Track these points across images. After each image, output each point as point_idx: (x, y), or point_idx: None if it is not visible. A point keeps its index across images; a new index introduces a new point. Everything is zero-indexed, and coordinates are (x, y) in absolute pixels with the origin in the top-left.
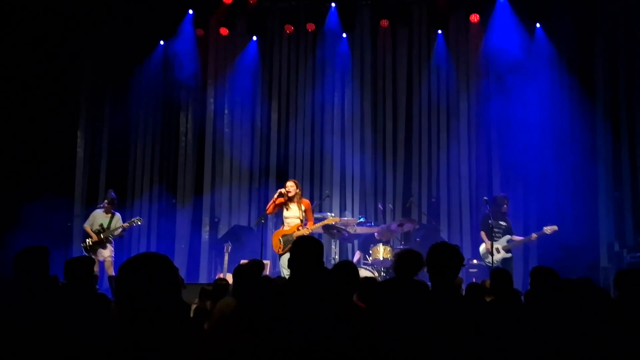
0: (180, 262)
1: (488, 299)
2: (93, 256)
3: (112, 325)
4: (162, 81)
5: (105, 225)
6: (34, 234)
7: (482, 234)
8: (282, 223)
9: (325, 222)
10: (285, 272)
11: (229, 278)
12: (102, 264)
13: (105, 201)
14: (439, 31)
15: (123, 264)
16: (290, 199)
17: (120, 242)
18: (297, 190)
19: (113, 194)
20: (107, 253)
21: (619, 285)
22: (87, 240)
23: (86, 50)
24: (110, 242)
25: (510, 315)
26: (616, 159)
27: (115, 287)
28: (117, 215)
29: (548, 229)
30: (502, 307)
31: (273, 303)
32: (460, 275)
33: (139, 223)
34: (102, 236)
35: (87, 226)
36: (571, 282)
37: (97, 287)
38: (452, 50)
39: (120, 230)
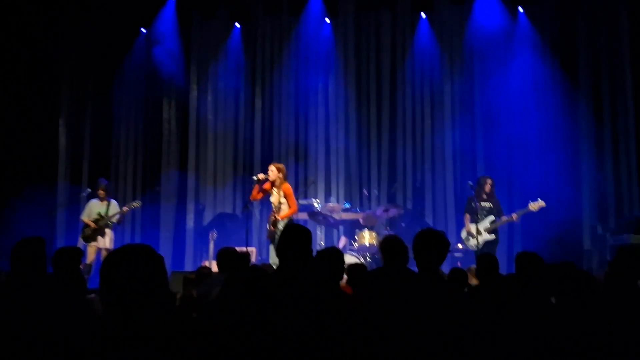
0: (165, 250)
1: (474, 283)
2: (94, 243)
3: (98, 317)
4: (144, 68)
5: (103, 213)
6: (17, 224)
7: (466, 216)
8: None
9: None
10: (272, 260)
11: (214, 266)
12: (98, 255)
13: (100, 190)
14: (423, 15)
15: (107, 256)
16: (273, 184)
17: (114, 230)
18: (279, 175)
19: (105, 180)
20: (107, 241)
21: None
22: (86, 229)
23: (67, 38)
24: (110, 228)
25: (494, 300)
26: (598, 142)
27: (100, 279)
28: (113, 202)
29: (534, 205)
30: (486, 292)
31: (262, 292)
32: (446, 260)
33: (138, 206)
34: (100, 224)
35: (84, 217)
36: (554, 267)
37: (87, 276)
38: (436, 35)
39: (118, 216)
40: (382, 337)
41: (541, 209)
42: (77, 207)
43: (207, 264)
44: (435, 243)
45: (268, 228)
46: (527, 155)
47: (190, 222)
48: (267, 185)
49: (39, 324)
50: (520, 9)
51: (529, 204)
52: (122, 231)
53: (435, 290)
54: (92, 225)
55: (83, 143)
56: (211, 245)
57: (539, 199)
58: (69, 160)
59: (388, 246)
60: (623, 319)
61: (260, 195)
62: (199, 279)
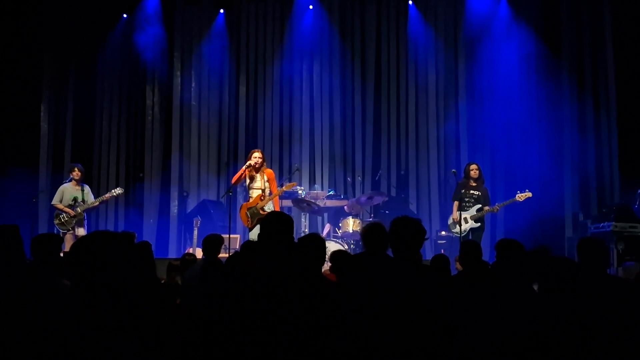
0: (149, 237)
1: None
2: (71, 231)
3: (77, 304)
4: (127, 54)
5: (79, 199)
6: None
7: (454, 204)
8: (248, 195)
9: (283, 189)
10: None
11: (199, 253)
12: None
13: (75, 174)
14: (410, 2)
15: (74, 244)
16: (257, 170)
17: (87, 218)
18: (264, 161)
19: (80, 165)
20: (84, 230)
21: (580, 252)
22: (62, 215)
23: (49, 23)
24: (84, 217)
25: (476, 286)
26: (581, 130)
27: (68, 266)
28: (87, 188)
29: (521, 196)
30: (469, 279)
31: (243, 278)
32: (429, 247)
33: (120, 193)
34: (79, 210)
35: (56, 203)
36: (530, 252)
37: None
38: (421, 21)
39: (97, 202)
40: (361, 323)
41: (526, 199)
42: None
43: (191, 250)
44: (409, 230)
45: (246, 215)
46: (510, 143)
47: (174, 209)
48: (248, 171)
49: (19, 310)
50: None
51: (517, 195)
52: (105, 217)
53: (411, 276)
54: (71, 212)
55: (65, 129)
56: (195, 232)
57: (527, 190)
58: (50, 145)
59: (367, 232)
60: (599, 307)
61: (239, 181)
62: (184, 266)
